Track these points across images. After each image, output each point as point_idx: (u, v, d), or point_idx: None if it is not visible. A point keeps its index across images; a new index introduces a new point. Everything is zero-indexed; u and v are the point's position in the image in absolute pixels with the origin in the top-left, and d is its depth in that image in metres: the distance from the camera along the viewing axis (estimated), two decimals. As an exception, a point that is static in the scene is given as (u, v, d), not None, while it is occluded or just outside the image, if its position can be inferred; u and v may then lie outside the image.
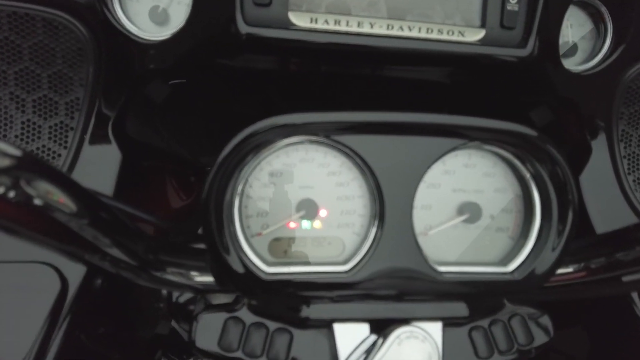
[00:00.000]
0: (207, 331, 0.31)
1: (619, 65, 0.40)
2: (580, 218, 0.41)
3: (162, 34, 0.37)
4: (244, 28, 0.32)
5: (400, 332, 0.26)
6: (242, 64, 0.36)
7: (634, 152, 0.42)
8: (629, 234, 0.30)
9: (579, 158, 0.43)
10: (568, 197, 0.29)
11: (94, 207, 0.22)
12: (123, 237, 0.25)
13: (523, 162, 0.30)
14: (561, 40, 0.41)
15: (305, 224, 0.30)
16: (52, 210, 0.20)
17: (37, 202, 0.19)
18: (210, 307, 0.32)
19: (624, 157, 0.42)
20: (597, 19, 0.41)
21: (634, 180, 0.42)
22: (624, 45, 0.40)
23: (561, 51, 0.41)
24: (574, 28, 0.41)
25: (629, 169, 0.42)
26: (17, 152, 0.19)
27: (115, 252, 0.25)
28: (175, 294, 0.44)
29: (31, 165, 0.19)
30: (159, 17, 0.37)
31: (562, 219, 0.29)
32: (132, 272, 0.28)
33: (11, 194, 0.18)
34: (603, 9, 0.40)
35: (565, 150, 0.45)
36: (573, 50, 0.41)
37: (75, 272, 0.34)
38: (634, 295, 0.38)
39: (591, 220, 0.41)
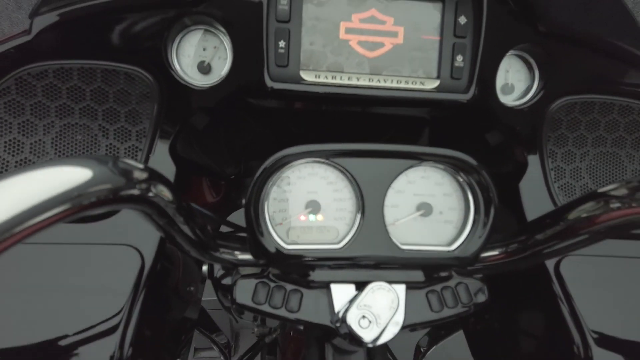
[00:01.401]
0: (243, 292, 0.44)
1: (545, 101, 0.54)
2: (518, 215, 0.55)
3: (207, 82, 0.50)
4: (269, 83, 0.46)
5: (373, 285, 0.40)
6: (266, 106, 0.50)
7: (559, 166, 0.55)
8: (541, 221, 0.43)
9: (519, 170, 0.56)
10: (490, 198, 0.43)
11: (180, 202, 0.36)
12: (195, 225, 0.39)
13: (460, 174, 0.44)
14: (502, 82, 0.55)
15: (312, 217, 0.43)
16: (161, 200, 0.33)
17: (151, 195, 0.32)
18: (245, 276, 0.45)
19: (552, 169, 0.55)
20: (529, 67, 0.54)
21: (559, 187, 0.55)
22: (548, 87, 0.53)
23: (502, 90, 0.55)
24: (512, 73, 0.54)
25: (555, 178, 0.55)
26: (143, 166, 0.32)
27: (189, 232, 0.38)
28: (215, 271, 0.57)
29: (152, 175, 0.33)
30: (205, 69, 0.51)
31: (487, 214, 0.43)
32: (198, 250, 0.41)
33: (142, 192, 0.31)
34: (532, 60, 0.54)
35: (510, 164, 0.58)
36: (511, 89, 0.54)
37: (149, 254, 0.48)
38: (552, 272, 0.51)
39: (526, 216, 0.54)
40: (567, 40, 0.52)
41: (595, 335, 0.47)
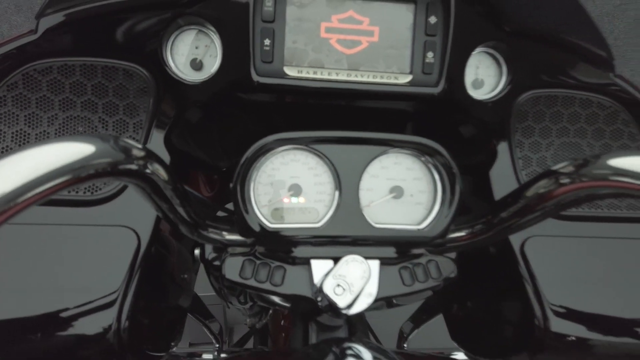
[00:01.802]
0: (231, 268, 0.48)
1: (512, 95, 0.58)
2: (489, 200, 0.59)
3: (199, 78, 0.55)
4: (255, 77, 0.50)
5: (347, 257, 0.44)
6: (253, 99, 0.54)
7: (526, 155, 0.60)
8: (503, 200, 0.48)
9: (490, 159, 0.60)
10: (455, 182, 0.47)
11: (175, 183, 0.40)
12: (188, 204, 0.43)
13: (427, 158, 0.48)
14: (473, 78, 0.59)
15: (294, 199, 0.48)
16: (156, 177, 0.37)
17: (148, 172, 0.36)
18: (233, 254, 0.50)
19: (519, 158, 0.59)
20: (498, 64, 0.59)
21: (526, 174, 0.59)
22: (515, 81, 0.58)
23: (473, 85, 0.59)
24: (482, 69, 0.59)
25: (522, 166, 0.59)
26: (141, 146, 0.36)
27: (182, 211, 0.43)
28: (207, 254, 0.61)
29: (148, 154, 0.37)
30: (197, 66, 0.55)
31: (452, 193, 0.47)
32: (188, 228, 0.45)
33: (140, 167, 0.35)
34: (500, 57, 0.58)
35: (482, 154, 0.62)
36: (481, 84, 0.59)
37: (145, 235, 0.52)
38: (518, 253, 0.55)
39: (495, 200, 0.58)
40: (531, 39, 0.56)
41: (554, 308, 0.51)
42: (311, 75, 0.51)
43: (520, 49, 0.57)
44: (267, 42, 0.51)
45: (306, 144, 0.46)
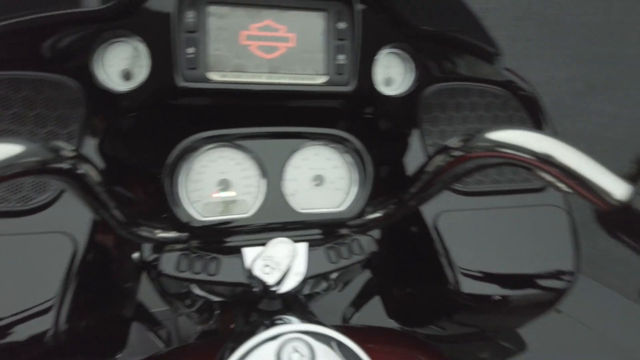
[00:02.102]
0: (167, 263, 0.51)
1: (419, 90, 0.66)
2: (404, 184, 0.66)
3: (128, 87, 0.57)
4: (182, 83, 0.54)
5: (274, 240, 0.49)
6: (183, 104, 0.58)
7: (435, 142, 0.67)
8: (410, 178, 0.54)
9: (405, 148, 0.68)
10: (367, 169, 0.53)
11: (107, 182, 0.43)
12: (120, 204, 0.46)
13: (343, 148, 0.54)
14: (384, 76, 0.66)
15: (224, 193, 0.52)
16: (88, 178, 0.40)
17: (79, 172, 0.39)
18: (168, 250, 0.53)
19: (429, 145, 0.67)
20: (405, 63, 0.66)
21: None
22: (420, 78, 0.65)
23: (385, 83, 0.66)
24: (392, 68, 0.66)
25: (432, 152, 0.67)
26: (72, 148, 0.39)
27: (115, 211, 0.45)
28: (145, 256, 0.64)
29: (78, 155, 0.39)
30: (126, 75, 0.58)
31: (366, 182, 0.53)
32: (122, 227, 0.48)
33: (71, 167, 0.37)
34: (407, 56, 0.65)
35: (398, 144, 0.69)
36: (391, 82, 0.66)
37: (82, 241, 0.53)
38: (431, 228, 0.62)
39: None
40: (430, 40, 0.64)
41: (463, 272, 0.58)
42: (234, 79, 0.56)
43: (423, 49, 0.64)
44: (191, 50, 0.54)
45: (231, 141, 0.50)
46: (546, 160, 0.39)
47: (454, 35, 0.65)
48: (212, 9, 0.55)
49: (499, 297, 0.59)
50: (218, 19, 0.55)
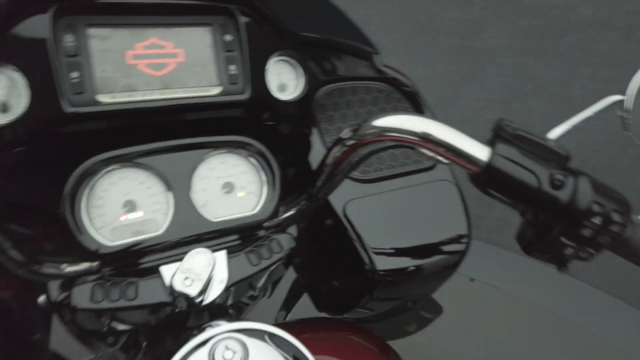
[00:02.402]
0: (80, 297, 0.48)
1: (311, 92, 0.70)
2: (311, 180, 0.70)
3: (6, 119, 0.53)
4: (69, 109, 0.52)
5: (191, 252, 0.49)
6: (74, 130, 0.55)
7: (333, 139, 0.72)
8: (315, 172, 0.57)
9: (308, 148, 0.71)
10: (273, 169, 0.56)
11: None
12: (18, 243, 0.43)
13: (248, 153, 0.56)
14: (277, 83, 0.70)
15: (131, 215, 0.51)
16: None
17: None
18: (79, 283, 0.50)
19: (328, 142, 0.72)
20: (295, 69, 0.70)
21: None
22: (310, 82, 0.70)
23: (279, 89, 0.69)
24: (283, 75, 0.69)
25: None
26: None
27: (13, 252, 0.42)
28: (54, 297, 0.59)
29: None
30: (3, 108, 0.54)
31: (273, 177, 0.56)
32: (22, 267, 0.45)
33: None
34: (295, 63, 0.69)
35: (302, 144, 0.73)
36: (285, 87, 0.69)
37: None
38: (342, 217, 0.67)
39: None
40: (313, 46, 0.69)
41: (376, 251, 0.64)
42: (126, 99, 0.55)
43: (308, 55, 0.69)
44: (74, 74, 0.52)
45: (130, 160, 0.49)
46: (424, 138, 0.45)
47: (334, 40, 0.71)
48: (93, 31, 0.53)
49: (412, 268, 0.65)
50: (100, 41, 0.54)
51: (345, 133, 0.51)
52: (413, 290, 0.73)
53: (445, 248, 0.69)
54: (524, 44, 1.91)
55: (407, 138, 0.46)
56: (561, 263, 0.46)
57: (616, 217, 0.41)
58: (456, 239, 0.70)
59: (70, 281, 0.52)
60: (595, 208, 0.41)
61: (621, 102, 0.47)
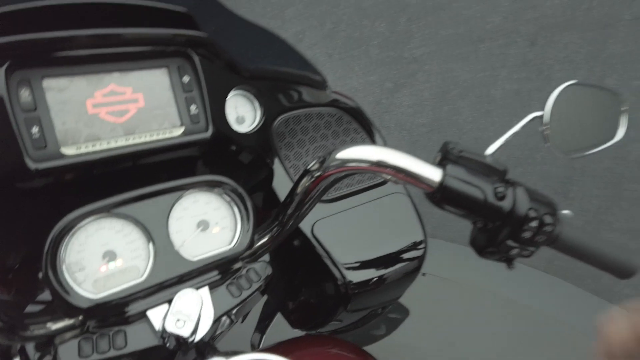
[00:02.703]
0: (67, 354, 0.48)
1: (268, 123, 0.74)
2: (281, 207, 0.73)
3: None
4: (33, 165, 0.51)
5: (179, 294, 0.51)
6: (40, 185, 0.54)
7: (294, 164, 0.76)
8: (285, 201, 0.61)
9: (271, 174, 0.75)
10: (245, 201, 0.59)
11: None
12: None
13: (220, 190, 0.58)
14: (235, 116, 0.72)
15: (112, 265, 0.51)
16: None
17: None
18: (64, 341, 0.49)
19: (290, 167, 0.75)
20: (251, 101, 0.74)
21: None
22: (267, 112, 0.74)
23: (237, 122, 0.72)
24: (240, 108, 0.72)
25: (294, 173, 0.76)
26: None
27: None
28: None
29: None
30: None
31: (246, 210, 0.59)
32: (6, 334, 0.44)
33: None
34: (251, 96, 0.73)
35: (264, 172, 0.76)
36: (243, 120, 0.72)
37: None
38: (310, 237, 0.71)
39: None
40: (267, 79, 0.73)
41: (346, 266, 0.68)
42: (90, 149, 0.55)
43: (263, 88, 0.73)
44: (35, 129, 0.52)
45: (107, 211, 0.50)
46: (382, 165, 0.50)
47: (286, 72, 0.75)
48: (49, 83, 0.53)
49: (380, 277, 0.71)
50: (58, 92, 0.54)
51: (313, 165, 0.55)
52: (382, 297, 0.79)
53: (406, 255, 0.75)
54: (447, 51, 2.07)
55: (368, 167, 0.51)
56: (509, 261, 0.54)
57: (548, 219, 0.49)
58: (414, 246, 0.77)
59: (49, 340, 0.51)
60: (532, 214, 0.49)
61: (541, 117, 0.55)
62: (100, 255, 0.50)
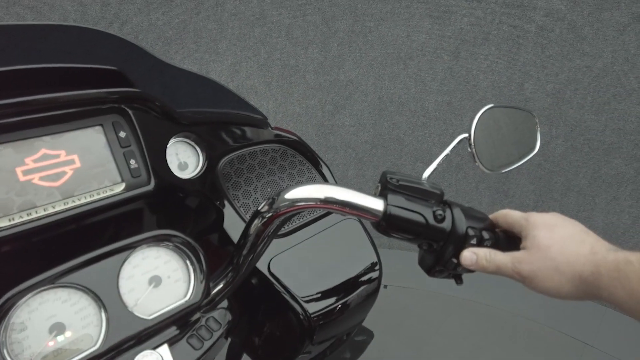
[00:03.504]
0: None
1: (213, 166, 0.74)
2: (234, 249, 0.73)
3: None
4: None
5: (138, 357, 0.49)
6: None
7: (244, 202, 0.76)
8: (238, 243, 0.61)
9: (221, 216, 0.74)
10: (196, 251, 0.58)
11: None
12: None
13: (168, 244, 0.57)
14: (177, 163, 0.72)
15: (60, 337, 0.48)
16: None
17: None
18: None
19: (240, 206, 0.76)
20: (193, 147, 0.73)
21: (249, 216, 0.76)
22: (210, 156, 0.74)
23: (180, 168, 0.72)
24: (181, 154, 0.72)
25: (245, 211, 0.76)
26: None
27: None
28: None
29: None
30: None
31: (198, 260, 0.58)
32: None
33: None
34: (192, 142, 0.73)
35: (214, 215, 0.76)
36: (185, 166, 0.72)
37: None
38: (268, 275, 0.71)
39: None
40: (205, 125, 0.73)
41: (305, 299, 0.69)
42: (25, 218, 0.53)
43: (203, 133, 0.73)
44: None
45: (49, 283, 0.48)
46: (328, 202, 0.52)
47: (224, 114, 0.76)
48: None
49: (341, 304, 0.72)
50: None
51: (263, 207, 0.56)
52: (347, 323, 0.80)
53: (364, 277, 0.77)
54: (380, 71, 2.17)
55: (316, 205, 0.53)
56: (457, 278, 0.57)
57: (485, 234, 0.53)
58: (372, 267, 0.79)
59: None
60: (470, 232, 0.52)
61: (468, 138, 0.60)
62: (47, 330, 0.48)
